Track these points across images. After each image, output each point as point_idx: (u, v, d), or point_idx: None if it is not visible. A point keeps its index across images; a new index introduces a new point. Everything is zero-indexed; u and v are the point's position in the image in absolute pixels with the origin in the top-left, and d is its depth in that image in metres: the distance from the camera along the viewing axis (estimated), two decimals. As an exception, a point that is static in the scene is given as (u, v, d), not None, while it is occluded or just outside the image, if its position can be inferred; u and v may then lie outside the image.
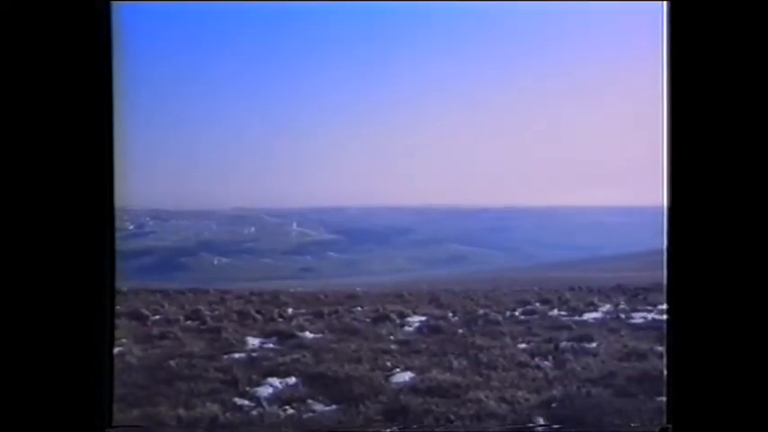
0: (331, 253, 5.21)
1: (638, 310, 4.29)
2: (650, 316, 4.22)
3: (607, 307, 4.34)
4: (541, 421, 3.36)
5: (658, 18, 2.32)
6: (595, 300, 4.43)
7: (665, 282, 2.41)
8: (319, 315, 4.38)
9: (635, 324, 4.17)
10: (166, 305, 4.50)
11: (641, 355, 3.81)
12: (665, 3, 2.32)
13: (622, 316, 4.25)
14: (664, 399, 3.45)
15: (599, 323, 4.19)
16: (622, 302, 4.38)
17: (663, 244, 5.35)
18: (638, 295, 4.45)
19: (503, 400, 3.53)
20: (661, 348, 3.88)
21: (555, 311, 4.40)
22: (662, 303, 4.37)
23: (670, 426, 2.35)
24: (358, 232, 5.30)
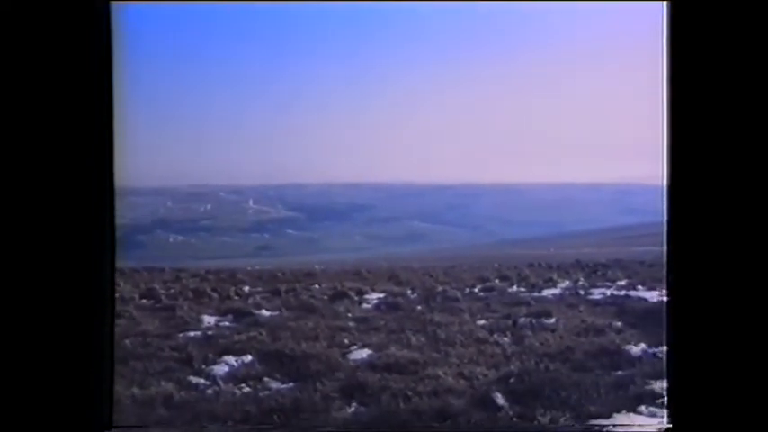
0: (289, 230, 5.24)
1: (596, 286, 4.37)
2: (608, 292, 4.32)
3: (566, 283, 4.42)
4: (499, 396, 3.44)
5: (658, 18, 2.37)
6: (554, 276, 4.51)
7: (664, 280, 2.44)
8: (276, 293, 4.42)
9: (593, 300, 4.26)
10: (121, 284, 4.47)
11: (599, 331, 3.90)
12: (664, 3, 2.34)
13: (581, 292, 4.34)
14: (620, 372, 3.59)
15: (557, 299, 4.27)
16: (581, 278, 4.46)
17: (625, 220, 5.45)
18: (597, 271, 4.54)
19: (461, 375, 3.60)
20: (619, 323, 3.99)
21: (514, 288, 4.47)
22: (620, 279, 4.51)
23: (670, 426, 2.39)
24: (317, 209, 5.33)
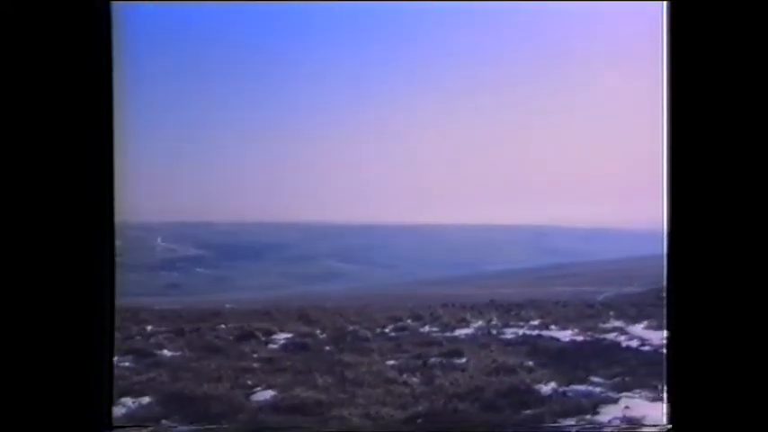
0: (199, 269, 5.18)
1: (509, 326, 4.41)
2: (521, 331, 4.35)
3: (479, 323, 4.45)
4: (405, 437, 3.42)
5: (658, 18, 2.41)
6: (468, 316, 4.53)
7: (664, 283, 2.46)
8: (180, 333, 4.33)
9: (505, 339, 4.28)
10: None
11: (510, 370, 3.91)
12: (664, 3, 2.39)
13: (494, 332, 4.36)
14: (529, 411, 3.60)
15: (470, 339, 4.29)
16: (495, 318, 4.50)
17: (542, 261, 5.52)
18: (510, 311, 4.58)
19: (367, 416, 3.56)
20: (530, 363, 4.02)
21: (426, 328, 4.48)
22: (533, 319, 4.56)
23: (670, 426, 2.40)
24: (228, 248, 5.29)
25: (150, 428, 3.13)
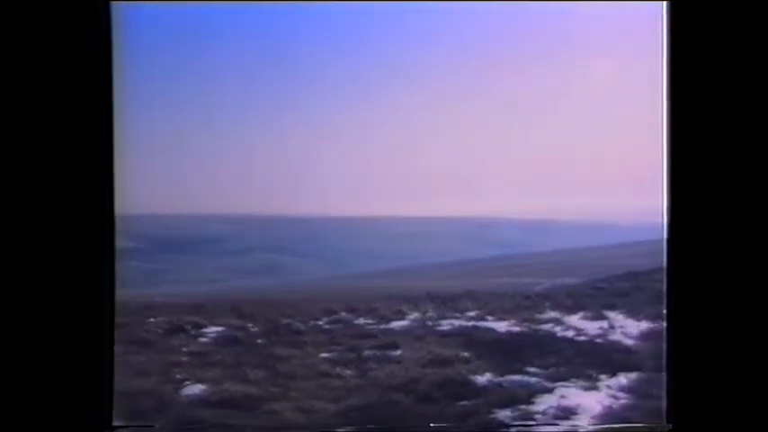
0: (132, 262, 5.06)
1: (446, 318, 4.39)
2: (457, 323, 4.34)
3: (415, 315, 4.42)
4: (338, 430, 3.38)
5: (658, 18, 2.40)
6: (404, 308, 4.50)
7: (664, 284, 2.45)
8: (107, 326, 4.23)
9: (442, 331, 4.27)
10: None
11: (446, 362, 3.90)
12: (664, 3, 2.37)
13: (430, 323, 4.34)
14: (465, 402, 3.60)
15: (405, 331, 4.26)
16: (431, 310, 4.47)
17: (483, 253, 5.54)
18: (447, 303, 4.56)
19: (300, 410, 3.52)
20: (466, 354, 4.01)
21: (361, 320, 4.43)
22: (470, 310, 4.55)
23: (670, 426, 2.39)
24: (161, 240, 5.18)
25: (150, 428, 3.08)
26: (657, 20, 2.30)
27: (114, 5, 2.35)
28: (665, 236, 2.38)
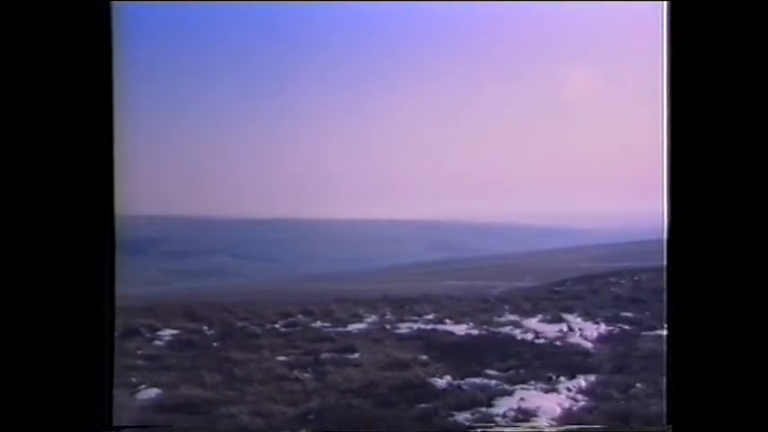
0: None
1: (403, 321, 4.40)
2: (415, 326, 4.36)
3: (373, 318, 4.43)
4: (297, 434, 3.38)
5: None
6: (360, 311, 4.50)
7: (664, 282, 2.45)
8: (56, 330, 4.16)
9: (399, 334, 4.28)
10: None
11: (404, 365, 3.92)
12: (664, 3, 2.38)
13: (387, 326, 4.35)
14: (424, 405, 3.61)
15: (363, 334, 4.26)
16: (388, 313, 4.48)
17: (435, 256, 5.56)
18: (404, 306, 4.58)
19: (257, 414, 3.51)
20: (424, 357, 4.03)
21: (318, 323, 4.42)
22: (428, 313, 4.57)
23: (670, 426, 2.39)
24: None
25: (150, 428, 3.08)
26: (658, 20, 2.33)
27: (114, 5, 2.36)
28: (665, 237, 2.41)
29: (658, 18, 2.36)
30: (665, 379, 2.39)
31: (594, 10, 3.53)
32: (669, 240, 2.35)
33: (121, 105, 2.36)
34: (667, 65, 2.33)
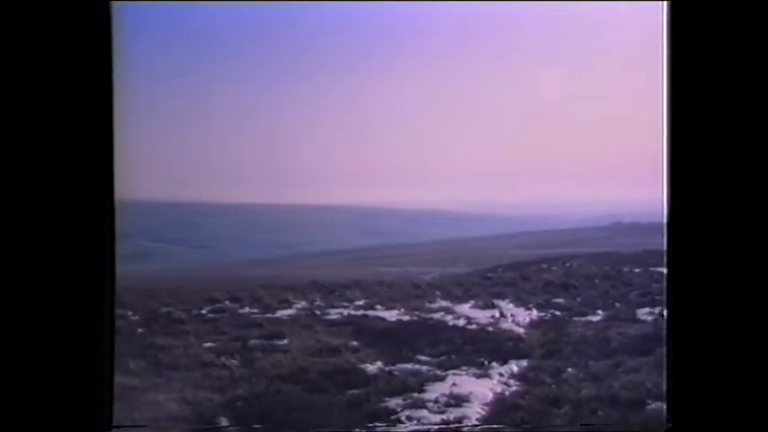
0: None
1: (333, 307, 4.49)
2: (346, 312, 4.45)
3: (302, 304, 4.50)
4: (224, 420, 3.43)
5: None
6: (290, 297, 4.58)
7: (664, 282, 2.50)
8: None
9: (330, 320, 4.37)
10: None
11: (334, 350, 3.99)
12: (665, 3, 2.44)
13: (317, 312, 4.44)
14: (355, 391, 3.69)
15: (292, 320, 4.34)
16: (318, 299, 4.57)
17: (365, 242, 5.64)
18: (334, 292, 4.67)
19: (184, 401, 3.55)
20: (355, 343, 4.12)
21: (246, 309, 4.48)
22: (358, 299, 4.66)
23: (670, 426, 2.44)
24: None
25: (151, 428, 3.10)
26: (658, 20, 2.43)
27: (114, 5, 2.41)
28: (665, 238, 2.49)
29: (658, 18, 2.45)
30: (664, 379, 2.49)
31: (595, 10, 3.68)
32: (669, 240, 2.43)
33: (120, 105, 2.45)
34: (667, 65, 2.42)
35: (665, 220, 2.44)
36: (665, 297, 2.49)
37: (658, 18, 2.47)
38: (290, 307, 4.49)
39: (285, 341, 4.10)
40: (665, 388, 2.49)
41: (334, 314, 4.43)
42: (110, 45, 2.41)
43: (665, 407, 3.32)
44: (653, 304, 4.34)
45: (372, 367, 3.83)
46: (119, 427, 2.59)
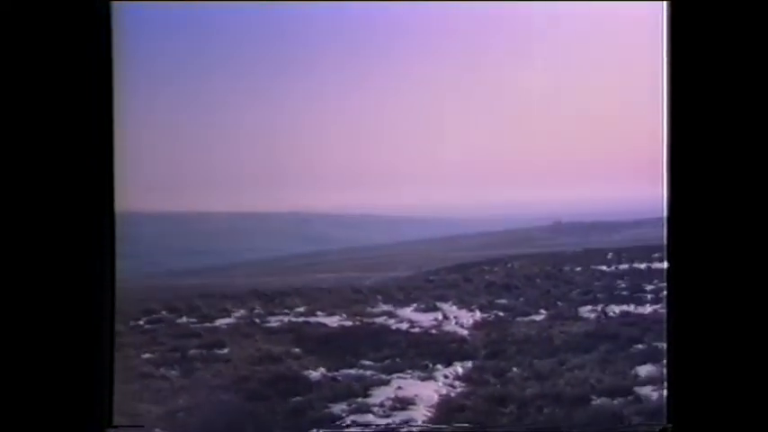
0: None
1: (274, 314, 4.48)
2: (286, 319, 4.44)
3: (241, 312, 4.48)
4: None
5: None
6: (229, 306, 4.55)
7: (665, 281, 2.48)
8: None
9: (270, 328, 4.35)
10: None
11: (276, 358, 3.97)
12: (665, 3, 2.44)
13: (257, 320, 4.42)
14: (298, 398, 3.68)
15: (232, 329, 4.31)
16: (258, 307, 4.55)
17: (303, 249, 5.62)
18: (274, 299, 4.65)
19: (122, 413, 3.49)
20: (297, 350, 4.10)
21: (183, 319, 4.44)
22: (299, 306, 4.65)
23: (670, 426, 2.43)
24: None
25: (150, 428, 3.07)
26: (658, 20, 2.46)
27: (114, 5, 2.42)
28: (665, 237, 2.51)
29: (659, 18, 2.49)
30: (665, 378, 2.50)
31: (594, 10, 3.73)
32: (669, 241, 2.45)
33: (120, 105, 2.46)
34: (667, 65, 2.45)
35: (665, 217, 2.48)
36: (665, 298, 2.52)
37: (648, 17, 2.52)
38: (229, 316, 4.46)
39: (225, 350, 4.07)
40: (665, 387, 2.53)
41: (274, 322, 4.41)
42: (110, 45, 2.45)
43: (611, 402, 3.39)
44: (595, 302, 4.42)
45: (315, 374, 3.82)
46: (118, 426, 2.60)
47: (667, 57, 2.47)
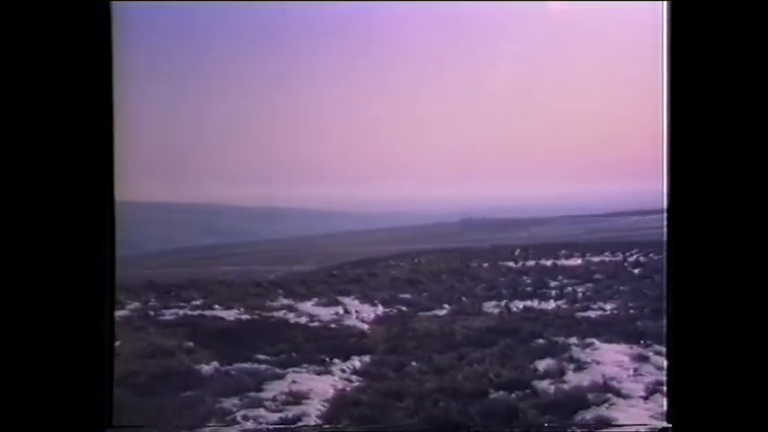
0: None
1: (168, 307, 4.47)
2: (181, 312, 4.44)
3: (135, 305, 4.46)
4: None
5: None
6: (122, 297, 4.51)
7: (664, 280, 2.50)
8: None
9: (164, 321, 4.35)
10: None
11: (168, 352, 3.98)
12: (665, 3, 2.46)
13: (151, 313, 4.41)
14: (189, 393, 3.68)
15: (124, 322, 4.28)
16: (152, 300, 4.54)
17: (206, 241, 5.61)
18: (170, 292, 4.64)
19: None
20: (191, 344, 4.11)
21: (74, 311, 4.41)
22: (196, 299, 4.64)
23: (670, 426, 2.45)
24: None
25: (150, 428, 3.09)
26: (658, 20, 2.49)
27: (114, 5, 2.44)
28: (665, 236, 2.54)
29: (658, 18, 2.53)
30: (665, 379, 2.54)
31: (595, 10, 3.78)
32: (669, 241, 2.50)
33: (120, 105, 2.49)
34: (667, 65, 2.50)
35: (664, 215, 2.53)
36: (665, 297, 2.57)
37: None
38: (121, 308, 4.42)
39: (116, 343, 4.05)
40: (665, 387, 2.58)
41: (168, 315, 4.41)
42: (110, 45, 2.49)
43: (508, 396, 3.48)
44: (499, 298, 4.52)
45: (208, 368, 3.83)
46: (119, 426, 2.63)
47: (667, 57, 2.55)
